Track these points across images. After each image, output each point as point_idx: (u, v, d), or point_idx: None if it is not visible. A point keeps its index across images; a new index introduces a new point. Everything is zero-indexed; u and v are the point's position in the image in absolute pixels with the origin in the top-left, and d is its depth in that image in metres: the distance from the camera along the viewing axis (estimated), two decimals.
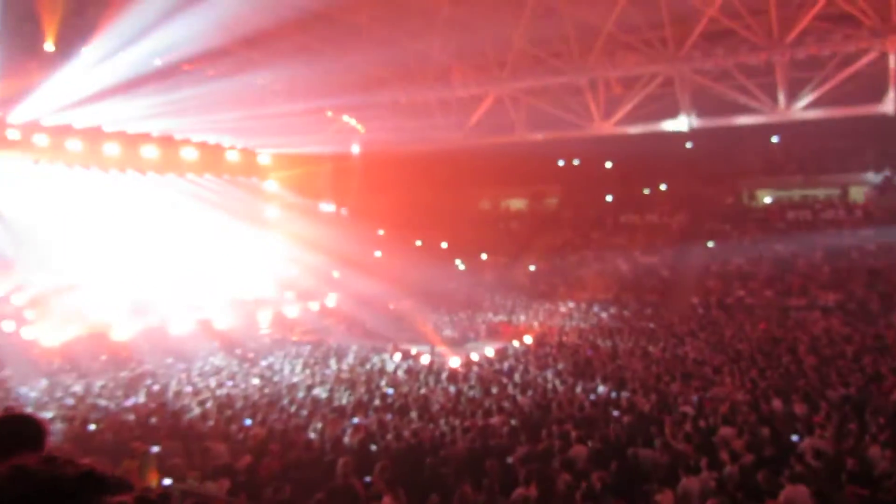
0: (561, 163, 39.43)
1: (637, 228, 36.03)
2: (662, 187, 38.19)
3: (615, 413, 12.15)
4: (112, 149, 25.94)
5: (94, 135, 24.77)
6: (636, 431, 10.54)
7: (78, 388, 15.62)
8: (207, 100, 23.61)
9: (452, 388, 15.12)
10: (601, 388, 14.38)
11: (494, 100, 28.99)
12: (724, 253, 30.58)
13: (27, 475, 1.48)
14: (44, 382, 16.61)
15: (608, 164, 38.62)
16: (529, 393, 14.33)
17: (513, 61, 26.65)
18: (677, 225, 35.08)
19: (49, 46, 19.07)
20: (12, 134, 22.55)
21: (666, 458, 9.34)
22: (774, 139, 34.00)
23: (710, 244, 31.81)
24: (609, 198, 39.11)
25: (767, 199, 35.98)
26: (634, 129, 27.76)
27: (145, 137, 26.41)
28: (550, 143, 30.88)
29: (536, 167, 36.65)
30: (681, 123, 26.26)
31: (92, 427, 12.07)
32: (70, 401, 14.10)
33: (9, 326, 21.75)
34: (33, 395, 14.97)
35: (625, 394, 13.62)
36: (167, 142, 27.22)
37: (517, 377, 16.29)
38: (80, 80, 20.18)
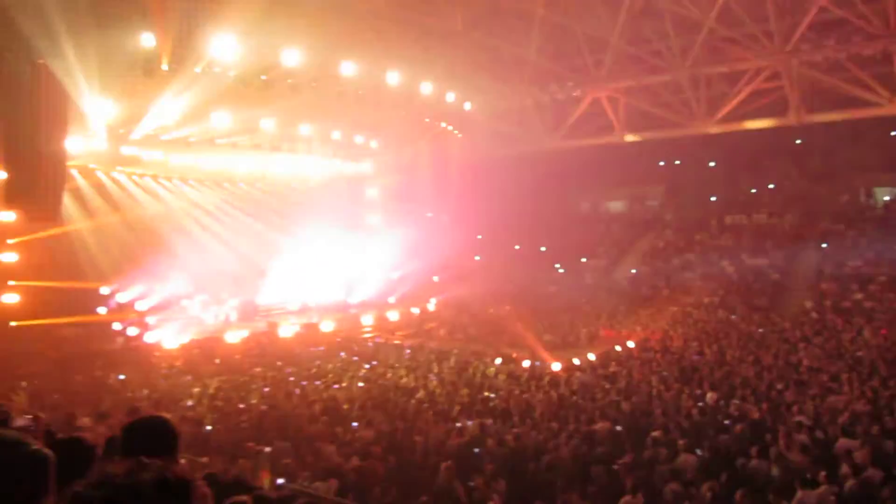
0: (662, 163, 38.50)
1: (744, 229, 34.69)
2: (770, 186, 36.64)
3: (724, 421, 11.76)
4: (218, 160, 27.18)
5: (202, 147, 25.99)
6: (747, 441, 10.19)
7: (196, 389, 16.44)
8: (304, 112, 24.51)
9: (554, 393, 15.02)
10: (709, 396, 13.93)
11: (592, 101, 28.68)
12: (839, 254, 29.03)
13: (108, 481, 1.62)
14: (163, 384, 17.56)
15: (712, 164, 37.40)
16: (633, 399, 14.07)
17: (610, 61, 26.32)
18: (787, 225, 33.55)
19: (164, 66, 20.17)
20: (133, 150, 24.04)
21: (780, 470, 8.99)
22: (894, 133, 32.02)
23: (824, 245, 30.27)
24: (713, 198, 37.86)
25: (886, 198, 33.94)
26: (739, 127, 26.85)
27: (249, 149, 27.46)
28: (651, 144, 30.27)
29: (637, 168, 35.94)
30: (789, 119, 25.19)
31: (209, 428, 12.69)
32: (189, 402, 14.87)
33: (133, 331, 23.16)
34: (155, 396, 15.84)
35: (734, 401, 13.16)
36: (269, 152, 28.22)
37: (620, 383, 16.03)
38: (190, 97, 21.32)
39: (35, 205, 18.33)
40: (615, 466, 9.41)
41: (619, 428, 11.64)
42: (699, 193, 37.85)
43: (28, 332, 19.84)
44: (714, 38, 24.05)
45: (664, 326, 24.78)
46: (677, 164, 38.36)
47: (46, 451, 1.71)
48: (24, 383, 16.62)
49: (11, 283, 19.78)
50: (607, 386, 15.78)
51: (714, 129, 26.95)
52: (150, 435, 2.90)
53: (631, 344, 22.25)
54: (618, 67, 26.63)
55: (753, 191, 37.32)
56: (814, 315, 24.95)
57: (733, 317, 25.79)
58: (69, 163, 20.30)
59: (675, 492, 8.34)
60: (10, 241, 19.85)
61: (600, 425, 11.86)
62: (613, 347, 21.79)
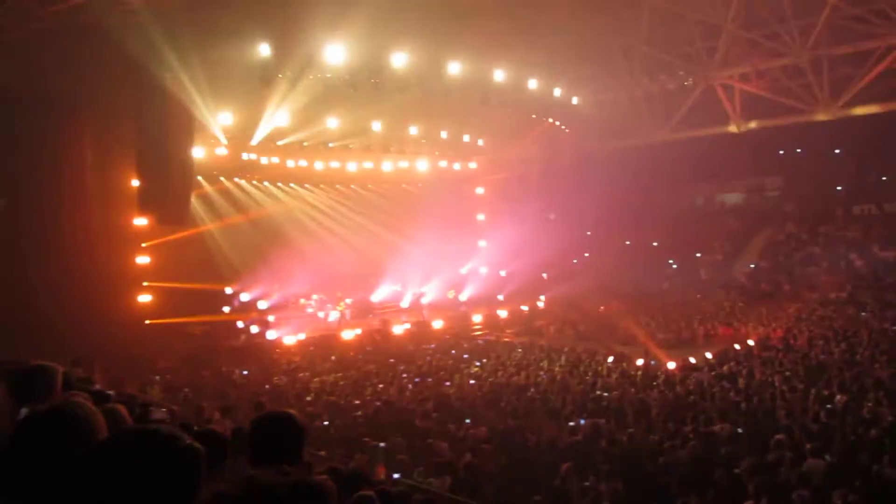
0: (781, 152, 36.68)
1: (874, 220, 32.56)
2: None
3: (856, 426, 11.10)
4: (332, 164, 28.05)
5: (314, 152, 26.91)
6: (882, 447, 9.58)
7: (313, 385, 17.06)
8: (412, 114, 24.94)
9: (670, 393, 14.64)
10: (838, 398, 13.18)
11: (705, 90, 27.70)
12: None
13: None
14: (283, 380, 18.31)
15: (837, 151, 35.30)
16: (755, 400, 13.50)
17: (724, 47, 25.33)
18: None
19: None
20: (251, 156, 25.21)
21: None
22: None
23: None
24: (839, 187, 35.73)
25: None
26: (867, 111, 25.23)
27: (360, 152, 28.17)
28: (769, 132, 28.92)
29: (754, 158, 34.42)
30: None
31: (326, 422, 13.14)
32: (308, 397, 15.44)
33: (255, 329, 24.29)
34: (276, 391, 16.55)
35: (867, 404, 12.40)
36: (379, 153, 28.85)
37: (740, 383, 15.42)
38: (304, 103, 22.17)
39: (165, 210, 19.57)
40: (736, 470, 9.07)
41: (740, 430, 11.20)
42: (823, 183, 35.84)
43: (160, 329, 21.15)
44: (837, 16, 22.70)
45: (787, 324, 23.60)
46: (798, 153, 36.45)
47: (198, 445, 1.78)
48: (157, 377, 17.78)
49: (145, 283, 21.16)
50: (726, 385, 15.21)
51: (838, 114, 25.43)
52: (278, 430, 3.02)
53: (751, 342, 21.34)
54: (732, 53, 25.60)
55: (884, 178, 34.96)
56: None
57: (863, 313, 24.25)
58: (195, 170, 21.55)
59: (804, 498, 7.95)
60: (143, 245, 21.26)
61: (720, 426, 11.46)
62: (732, 346, 20.96)
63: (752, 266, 32.37)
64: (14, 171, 18.65)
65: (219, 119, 21.64)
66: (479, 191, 34.91)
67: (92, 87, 18.00)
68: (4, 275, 17.40)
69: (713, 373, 16.90)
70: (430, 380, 17.41)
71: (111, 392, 7.73)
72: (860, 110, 25.11)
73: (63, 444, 2.00)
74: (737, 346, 20.72)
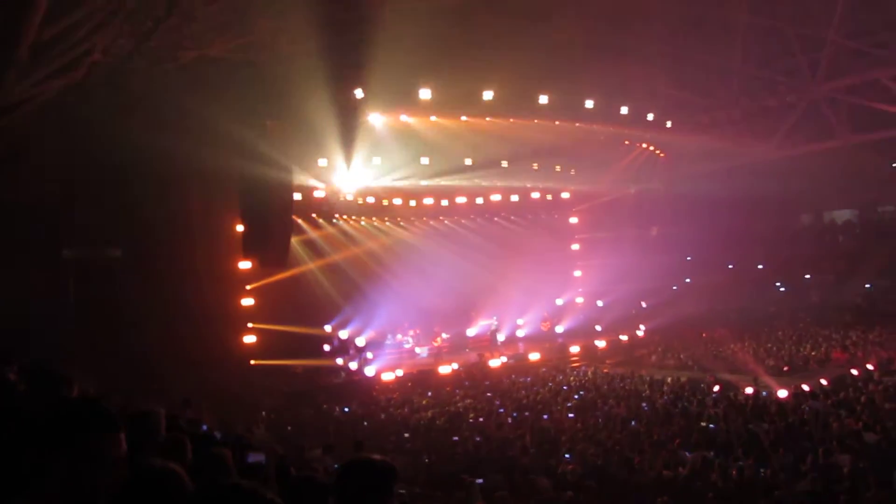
0: (895, 164, 34.63)
1: None
2: None
3: None
4: (426, 201, 28.49)
5: (411, 191, 27.45)
6: None
7: (411, 421, 17.13)
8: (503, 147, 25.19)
9: (782, 423, 13.87)
10: None
11: (809, 104, 26.58)
12: None
13: None
14: (382, 416, 18.49)
15: None
16: (878, 429, 12.61)
17: (827, 60, 24.28)
18: None
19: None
20: (350, 196, 26.03)
21: None
22: None
23: None
24: None
25: None
26: None
27: (453, 188, 28.49)
28: (881, 144, 27.40)
29: (865, 172, 32.64)
30: None
31: (426, 459, 13.13)
32: (406, 434, 15.51)
33: (353, 366, 24.73)
34: (375, 428, 16.72)
35: None
36: (474, 189, 29.08)
37: (860, 411, 14.45)
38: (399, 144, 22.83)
39: (267, 253, 20.33)
40: None
41: (862, 462, 10.47)
42: None
43: (264, 370, 21.85)
44: None
45: None
46: None
47: (277, 500, 1.79)
48: (262, 415, 18.31)
49: (250, 325, 21.95)
50: (844, 414, 14.30)
51: None
52: (364, 478, 3.01)
53: (870, 367, 20.04)
54: (836, 65, 24.48)
55: None
56: None
57: None
58: (293, 212, 22.33)
59: None
60: (248, 287, 22.10)
61: (841, 458, 10.76)
62: (849, 371, 19.74)
63: (869, 286, 30.52)
64: (127, 222, 19.83)
65: (317, 162, 22.53)
66: (573, 220, 34.55)
67: (197, 143, 19.05)
68: (120, 322, 18.43)
69: (829, 400, 15.92)
70: (527, 413, 17.17)
71: (217, 433, 8.02)
72: None
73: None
74: (854, 372, 19.50)
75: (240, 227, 20.99)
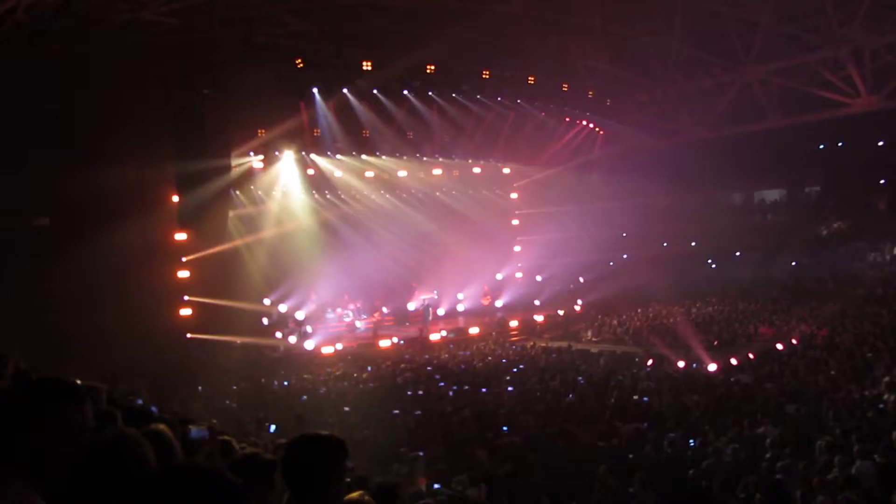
0: (822, 146, 35.93)
1: None
2: None
3: None
4: (367, 174, 28.25)
5: (352, 165, 27.23)
6: None
7: (351, 396, 17.11)
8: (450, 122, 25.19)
9: (711, 396, 14.38)
10: (886, 396, 12.83)
11: (742, 86, 27.25)
12: None
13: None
14: (322, 390, 18.41)
15: (880, 143, 34.47)
16: (800, 401, 13.20)
17: (761, 42, 24.87)
18: None
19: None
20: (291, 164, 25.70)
21: None
22: None
23: None
24: (882, 180, 34.87)
25: None
26: None
27: (399, 161, 28.34)
28: (808, 126, 28.35)
29: (793, 153, 33.79)
30: None
31: (366, 433, 13.15)
32: (346, 408, 15.50)
33: (293, 339, 24.53)
34: (315, 402, 16.65)
35: None
36: (418, 164, 28.95)
37: (784, 384, 15.09)
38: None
39: (203, 225, 19.91)
40: (780, 475, 8.87)
41: (785, 432, 10.95)
42: (866, 176, 34.99)
43: (201, 343, 21.46)
44: (878, 5, 22.15)
45: (831, 322, 23.05)
46: (840, 147, 35.67)
47: (237, 480, 1.77)
48: (199, 388, 18.04)
49: (186, 297, 21.49)
50: (769, 387, 14.91)
51: (881, 106, 24.80)
52: (312, 456, 2.96)
53: (794, 342, 20.90)
54: (770, 48, 25.11)
55: None
56: None
57: None
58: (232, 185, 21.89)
59: (852, 501, 7.73)
60: (184, 260, 21.60)
61: (764, 429, 11.23)
62: (774, 346, 20.56)
63: (794, 264, 31.71)
64: (57, 191, 19.11)
65: (257, 133, 22.08)
66: (513, 196, 34.80)
67: (130, 105, 18.42)
68: (48, 291, 17.82)
69: (756, 374, 16.58)
70: (467, 387, 17.35)
71: (153, 408, 7.85)
72: None
73: (121, 477, 2.07)
74: (779, 346, 20.31)
75: (175, 198, 20.46)
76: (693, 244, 35.07)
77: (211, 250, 22.40)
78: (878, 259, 29.02)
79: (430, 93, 24.24)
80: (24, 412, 2.03)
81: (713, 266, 33.57)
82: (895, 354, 17.18)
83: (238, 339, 22.93)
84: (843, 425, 11.04)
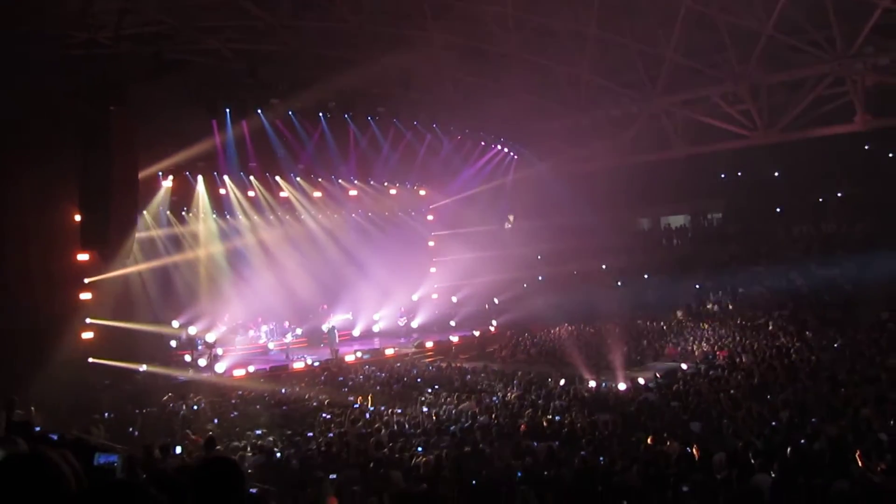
0: (723, 175, 37.76)
1: (812, 240, 33.65)
2: (839, 194, 35.52)
3: (800, 440, 11.37)
4: (282, 194, 27.93)
5: (271, 185, 26.93)
6: (825, 460, 9.83)
7: (264, 419, 16.75)
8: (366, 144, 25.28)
9: (620, 414, 14.80)
10: (782, 414, 13.52)
11: (649, 116, 28.40)
12: None
13: None
14: (234, 414, 17.94)
15: (776, 174, 36.51)
16: (703, 418, 13.74)
17: (666, 75, 26.02)
18: (859, 234, 32.36)
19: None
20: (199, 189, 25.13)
21: (861, 490, 8.63)
22: None
23: None
24: (778, 209, 36.90)
25: None
26: (803, 135, 26.16)
27: (313, 183, 28.15)
28: (710, 156, 29.75)
29: (697, 182, 35.35)
30: (856, 125, 24.43)
31: (279, 455, 12.91)
32: (259, 431, 15.16)
33: (202, 362, 23.84)
34: (225, 426, 16.23)
35: (811, 420, 12.73)
36: (333, 186, 28.84)
37: (688, 402, 15.67)
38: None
39: (108, 246, 19.15)
40: (685, 489, 9.20)
41: (688, 448, 11.37)
42: (763, 205, 36.94)
43: (104, 368, 20.60)
44: (773, 45, 23.59)
45: (732, 342, 24.12)
46: (739, 176, 37.57)
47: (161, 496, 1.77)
48: (101, 416, 17.26)
49: (88, 320, 20.60)
50: (675, 405, 15.46)
51: (776, 139, 26.32)
52: (219, 479, 2.97)
53: (698, 361, 21.75)
54: (674, 81, 26.31)
55: (821, 199, 36.25)
56: (891, 326, 23.95)
57: (807, 332, 24.92)
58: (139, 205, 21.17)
59: None
60: (86, 281, 20.71)
61: (670, 445, 11.62)
62: (679, 365, 21.34)
63: (698, 286, 33.06)
64: None
65: (166, 153, 21.48)
66: (429, 217, 35.02)
67: (32, 120, 17.64)
68: None
69: (662, 393, 17.16)
70: (383, 408, 17.27)
71: (53, 435, 7.49)
72: (796, 135, 26.00)
73: (40, 493, 1.97)
74: (684, 366, 21.09)
75: (78, 218, 19.63)
76: (603, 266, 36.06)
77: (115, 272, 21.59)
78: (775, 283, 30.50)
79: (346, 115, 24.26)
80: None
81: (621, 287, 34.56)
82: (790, 374, 18.12)
83: (142, 367, 22.09)
84: (741, 440, 11.55)
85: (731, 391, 16.41)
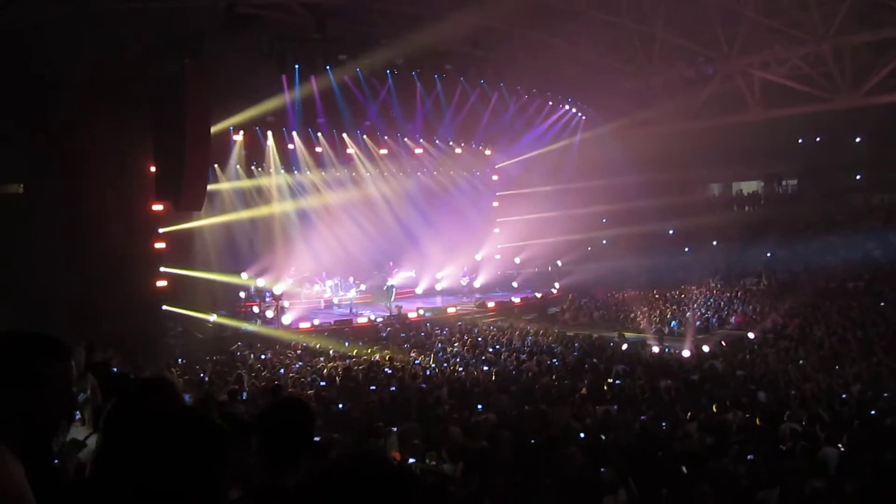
0: (801, 140, 36.28)
1: (893, 210, 32.20)
2: None
3: (872, 412, 11.04)
4: (349, 150, 28.14)
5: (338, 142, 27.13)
6: None
7: (327, 370, 17.15)
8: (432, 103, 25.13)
9: (684, 381, 14.61)
10: (852, 387, 13.13)
11: (724, 77, 27.42)
12: None
13: None
14: (298, 364, 18.43)
15: (857, 139, 34.89)
16: (769, 388, 13.45)
17: (744, 35, 25.01)
18: None
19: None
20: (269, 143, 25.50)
21: None
22: None
23: None
24: (858, 176, 35.34)
25: None
26: (889, 99, 24.88)
27: (379, 141, 28.25)
28: (788, 120, 28.62)
29: (772, 146, 34.10)
30: None
31: (340, 406, 13.23)
32: (323, 382, 15.54)
33: (270, 314, 24.48)
34: (291, 376, 16.69)
35: (884, 394, 12.34)
36: (399, 144, 28.89)
37: (754, 371, 15.37)
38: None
39: (182, 196, 19.68)
40: (749, 457, 9.06)
41: (754, 418, 11.17)
42: (842, 172, 35.43)
43: (177, 315, 21.36)
44: (860, 3, 22.37)
45: (803, 312, 23.44)
46: (818, 141, 36.04)
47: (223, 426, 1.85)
48: (179, 360, 18.01)
49: (162, 269, 21.34)
50: (740, 374, 15.17)
51: (859, 103, 25.10)
52: (289, 416, 3.04)
53: (766, 331, 21.25)
54: (752, 41, 25.26)
55: None
56: None
57: (882, 303, 24.01)
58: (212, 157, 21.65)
59: (816, 488, 7.93)
60: (161, 231, 21.41)
61: (732, 414, 11.45)
62: (746, 334, 20.89)
63: (769, 255, 32.11)
64: (31, 158, 18.84)
65: (237, 106, 21.87)
66: (494, 178, 34.83)
67: (109, 73, 18.13)
68: (22, 259, 17.62)
69: (727, 361, 16.85)
70: (445, 365, 17.47)
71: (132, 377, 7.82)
72: (882, 99, 24.75)
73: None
74: (751, 335, 20.64)
75: (153, 169, 20.23)
76: (671, 232, 35.33)
77: (187, 223, 22.27)
78: (850, 253, 29.41)
79: (413, 73, 24.13)
80: (15, 368, 2.04)
81: (689, 254, 33.85)
82: (863, 346, 17.55)
83: (212, 316, 22.85)
84: (809, 413, 11.29)
85: (801, 362, 16.01)
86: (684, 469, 9.01)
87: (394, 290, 27.95)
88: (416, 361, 18.05)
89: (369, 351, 19.92)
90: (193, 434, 1.79)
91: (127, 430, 1.93)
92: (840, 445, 9.40)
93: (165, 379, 2.70)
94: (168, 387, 2.66)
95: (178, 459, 1.74)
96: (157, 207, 20.79)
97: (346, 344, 21.08)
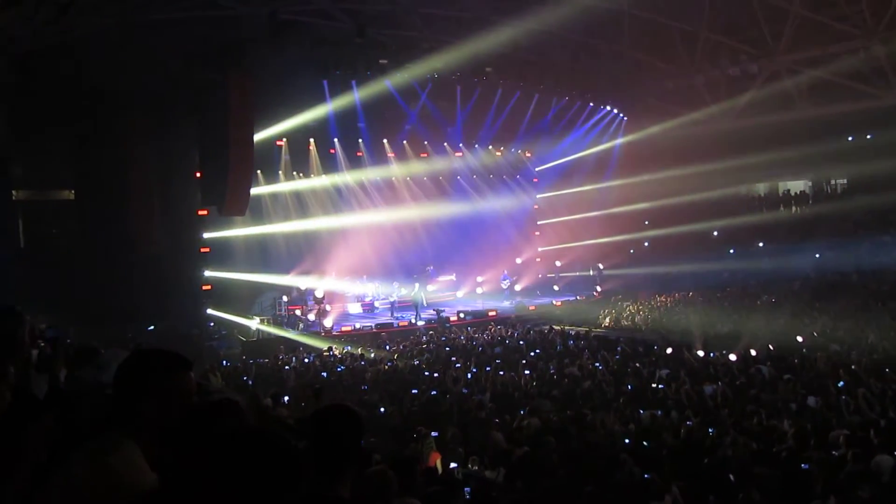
0: (851, 138, 35.33)
1: None
2: None
3: None
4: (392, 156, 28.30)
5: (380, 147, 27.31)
6: None
7: (369, 374, 17.21)
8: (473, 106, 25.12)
9: (730, 385, 14.31)
10: None
11: (770, 75, 26.89)
12: None
13: None
14: (340, 368, 18.53)
15: None
16: (820, 394, 13.09)
17: (790, 31, 24.50)
18: None
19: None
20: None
21: None
22: None
23: None
24: None
25: None
26: None
27: (420, 145, 28.34)
28: (836, 118, 27.93)
29: (820, 145, 33.28)
30: None
31: (382, 410, 13.27)
32: (365, 386, 15.60)
33: (312, 317, 24.70)
34: (332, 379, 16.78)
35: None
36: (440, 148, 28.96)
37: (805, 376, 14.98)
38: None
39: (225, 202, 20.04)
40: (805, 466, 8.82)
41: (808, 426, 10.87)
42: (893, 171, 34.42)
43: (221, 319, 21.69)
44: None
45: (854, 315, 22.78)
46: (868, 139, 35.06)
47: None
48: (220, 364, 18.26)
49: (207, 273, 21.70)
50: (788, 378, 14.80)
51: None
52: (337, 426, 3.02)
53: (815, 334, 20.72)
54: (799, 37, 24.73)
55: None
56: None
57: None
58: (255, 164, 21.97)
59: (870, 495, 7.69)
60: (206, 235, 21.79)
61: (784, 420, 11.17)
62: (794, 338, 20.38)
63: (818, 256, 31.33)
64: (82, 165, 19.33)
65: (280, 113, 22.16)
66: (535, 180, 34.66)
67: (153, 83, 18.54)
68: (72, 263, 18.08)
69: (776, 365, 16.45)
70: (488, 369, 17.39)
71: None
72: None
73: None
74: (799, 339, 20.14)
75: (198, 175, 20.61)
76: (715, 233, 34.72)
77: (232, 229, 22.62)
78: None
79: (453, 76, 24.17)
80: (149, 381, 2.30)
81: (734, 255, 33.20)
82: None
83: (255, 320, 23.14)
84: (862, 419, 10.96)
85: (852, 367, 15.55)
86: (731, 476, 8.82)
87: (423, 290, 27.92)
88: (457, 365, 17.99)
89: (410, 354, 19.94)
90: (276, 461, 1.83)
91: (205, 449, 1.97)
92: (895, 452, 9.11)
93: (232, 401, 2.78)
94: (235, 407, 2.72)
95: (257, 484, 1.78)
96: (202, 213, 21.19)
97: (388, 347, 21.14)
